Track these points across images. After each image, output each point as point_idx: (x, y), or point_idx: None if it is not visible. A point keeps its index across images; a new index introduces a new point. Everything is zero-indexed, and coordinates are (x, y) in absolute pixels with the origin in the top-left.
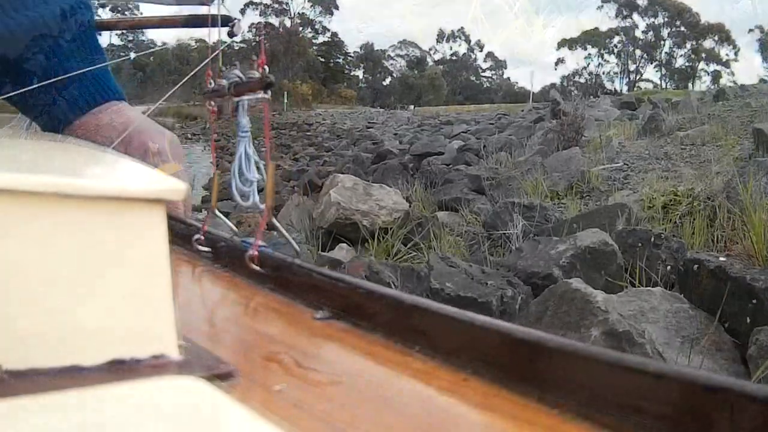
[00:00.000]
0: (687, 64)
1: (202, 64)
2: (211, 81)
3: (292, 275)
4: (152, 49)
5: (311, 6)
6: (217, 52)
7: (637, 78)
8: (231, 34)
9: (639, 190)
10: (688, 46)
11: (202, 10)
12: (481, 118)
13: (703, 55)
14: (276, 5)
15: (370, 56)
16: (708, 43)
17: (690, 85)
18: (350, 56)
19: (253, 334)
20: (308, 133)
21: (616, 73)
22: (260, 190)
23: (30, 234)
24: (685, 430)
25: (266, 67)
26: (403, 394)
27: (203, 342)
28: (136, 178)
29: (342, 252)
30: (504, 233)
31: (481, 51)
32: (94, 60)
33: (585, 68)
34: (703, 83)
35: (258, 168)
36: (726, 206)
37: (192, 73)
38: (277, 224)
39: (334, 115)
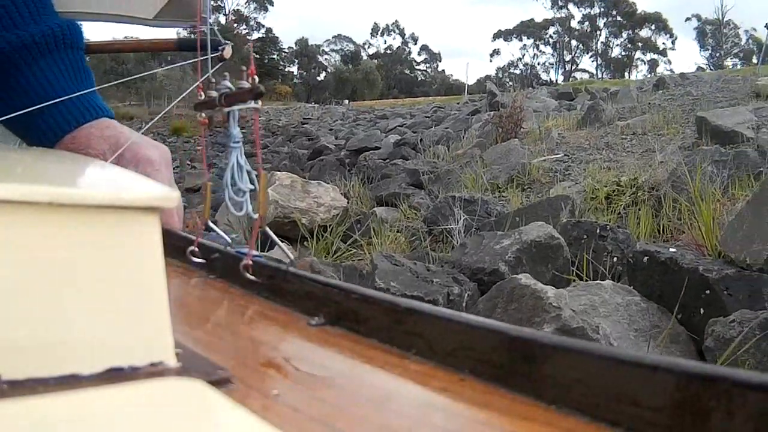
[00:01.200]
0: (623, 53)
1: (191, 88)
2: (202, 92)
3: (287, 283)
4: (142, 73)
5: (246, 2)
6: (206, 75)
7: (573, 68)
8: (221, 58)
9: (581, 181)
10: (625, 35)
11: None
12: (417, 111)
13: (640, 44)
14: (211, 2)
15: (305, 51)
16: (645, 33)
17: (626, 74)
18: (285, 52)
19: (249, 341)
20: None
21: (551, 63)
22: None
23: (25, 244)
24: (681, 420)
25: (256, 77)
26: (401, 395)
27: (200, 350)
28: (130, 187)
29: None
30: (445, 228)
31: (415, 44)
32: (83, 80)
33: (520, 59)
34: (639, 72)
35: (250, 177)
36: (672, 195)
37: (182, 96)
38: (270, 233)
39: (269, 111)
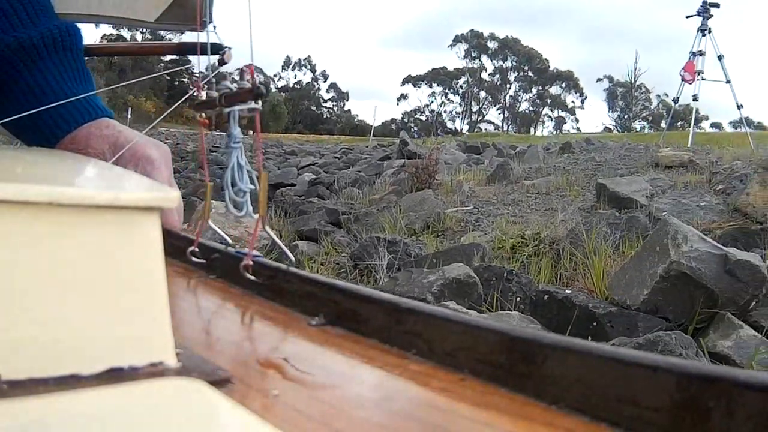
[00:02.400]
0: (531, 108)
1: (189, 93)
2: (203, 93)
3: (287, 283)
4: (150, 75)
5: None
6: (207, 78)
7: (479, 119)
8: (221, 62)
9: (489, 232)
10: (534, 90)
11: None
12: (325, 150)
13: (549, 100)
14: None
15: (215, 78)
16: (555, 89)
17: (532, 129)
18: (195, 76)
19: (249, 342)
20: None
21: (458, 113)
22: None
23: (25, 244)
24: (681, 420)
25: (257, 77)
26: (401, 395)
27: (200, 350)
28: (130, 187)
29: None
30: (370, 264)
31: (325, 81)
32: (82, 81)
33: (427, 106)
34: (545, 128)
35: (251, 178)
36: (569, 250)
37: (183, 99)
38: (271, 233)
39: (177, 135)
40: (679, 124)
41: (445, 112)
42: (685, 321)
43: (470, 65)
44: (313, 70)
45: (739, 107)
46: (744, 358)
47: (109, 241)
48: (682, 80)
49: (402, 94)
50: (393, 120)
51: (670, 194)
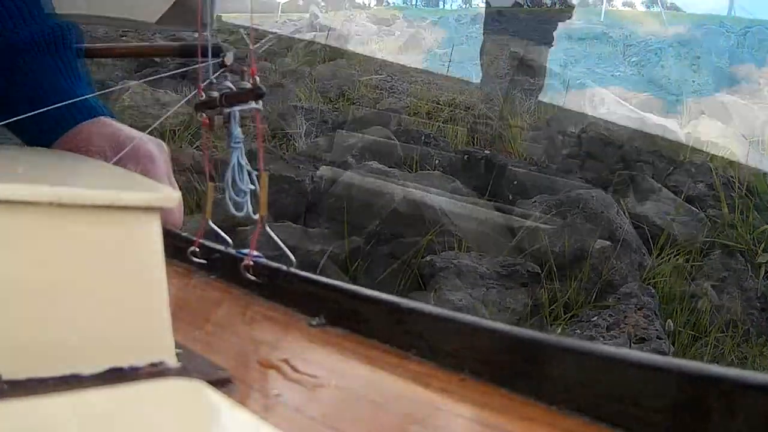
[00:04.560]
0: None
1: (190, 95)
2: (203, 93)
3: (288, 284)
4: (159, 75)
5: None
6: (207, 81)
7: None
8: (222, 65)
9: (404, 98)
10: None
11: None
12: (234, 27)
13: None
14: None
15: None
16: None
17: (441, 3)
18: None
19: (249, 342)
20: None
21: None
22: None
23: (25, 244)
24: (682, 420)
25: (257, 77)
26: (401, 395)
27: (200, 350)
28: (130, 187)
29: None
30: (288, 132)
31: None
32: (82, 80)
33: None
34: (454, 2)
35: (251, 177)
36: (486, 115)
37: (183, 101)
38: (272, 234)
39: None
40: (590, 1)
41: None
42: (604, 182)
43: None
44: None
45: None
46: (663, 219)
47: (109, 241)
48: None
49: None
50: None
51: (584, 63)
